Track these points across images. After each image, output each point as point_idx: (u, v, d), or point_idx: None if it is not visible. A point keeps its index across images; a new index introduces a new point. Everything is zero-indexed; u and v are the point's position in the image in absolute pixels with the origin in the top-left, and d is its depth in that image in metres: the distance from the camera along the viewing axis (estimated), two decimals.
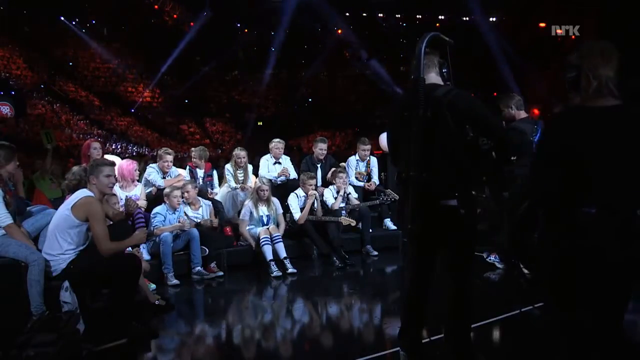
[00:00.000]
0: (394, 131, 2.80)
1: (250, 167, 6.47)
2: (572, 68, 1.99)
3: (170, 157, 5.86)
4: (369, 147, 6.82)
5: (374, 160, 6.91)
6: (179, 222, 5.19)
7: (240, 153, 6.35)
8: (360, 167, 6.82)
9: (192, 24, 22.54)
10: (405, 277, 2.88)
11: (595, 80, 1.89)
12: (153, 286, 4.53)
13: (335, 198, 6.15)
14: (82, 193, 3.59)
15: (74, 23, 21.38)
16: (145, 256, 5.02)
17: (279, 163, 6.59)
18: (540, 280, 2.13)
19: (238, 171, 6.31)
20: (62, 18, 20.91)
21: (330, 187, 6.30)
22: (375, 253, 6.09)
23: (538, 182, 2.02)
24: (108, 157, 5.84)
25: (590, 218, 1.86)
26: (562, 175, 1.92)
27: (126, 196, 4.85)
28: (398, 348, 2.88)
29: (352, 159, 6.88)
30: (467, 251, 2.68)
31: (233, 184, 6.24)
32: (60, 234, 3.54)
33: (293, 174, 6.63)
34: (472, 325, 3.05)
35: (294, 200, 5.97)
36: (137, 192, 5.44)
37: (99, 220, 3.51)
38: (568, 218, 1.92)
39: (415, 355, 2.78)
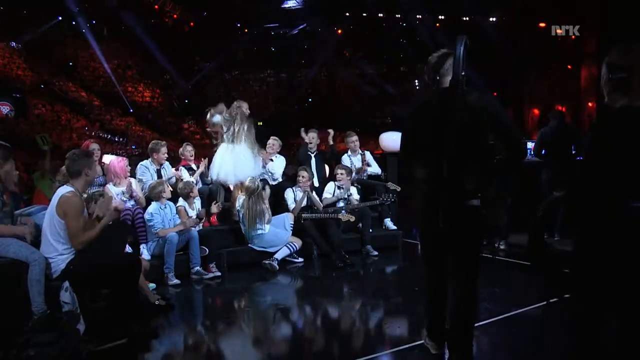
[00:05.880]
0: (418, 132, 2.79)
1: None
2: (619, 69, 1.99)
3: (165, 149, 5.94)
4: (355, 137, 6.98)
5: (367, 154, 7.05)
6: (183, 222, 5.19)
7: None
8: (355, 163, 6.86)
9: (192, 24, 22.51)
10: (427, 275, 3.00)
11: None
12: (153, 286, 4.53)
13: (333, 193, 6.20)
14: (62, 190, 3.57)
15: (73, 23, 21.36)
16: (146, 256, 5.02)
17: (271, 160, 6.63)
18: (576, 275, 2.18)
19: None
20: (60, 18, 20.89)
21: (334, 182, 6.36)
22: (375, 253, 6.08)
23: (586, 179, 2.07)
24: (108, 157, 5.87)
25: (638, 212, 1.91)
26: (610, 172, 1.98)
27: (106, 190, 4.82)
28: (422, 341, 3.10)
29: (345, 157, 6.95)
30: (478, 250, 2.86)
31: None
32: (52, 235, 3.54)
33: (277, 173, 6.65)
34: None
35: (290, 194, 6.09)
36: (133, 185, 5.43)
37: (72, 216, 3.48)
38: (617, 213, 1.98)
39: (443, 344, 2.96)
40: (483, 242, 2.91)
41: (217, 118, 5.92)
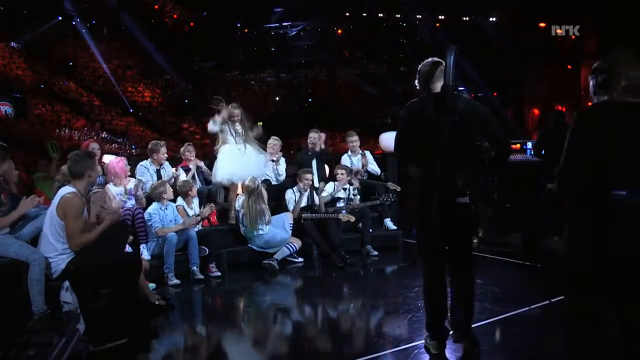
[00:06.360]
0: (413, 134, 2.98)
1: None
2: (602, 72, 2.24)
3: (165, 149, 5.94)
4: (355, 137, 6.96)
5: (368, 154, 7.04)
6: (184, 222, 5.19)
7: None
8: (355, 163, 6.86)
9: (192, 24, 22.53)
10: (425, 273, 3.13)
11: (625, 80, 2.15)
12: (153, 285, 4.53)
13: (332, 193, 6.21)
14: (63, 191, 3.58)
15: (74, 23, 21.36)
16: (146, 256, 5.02)
17: (273, 161, 6.64)
18: (568, 273, 2.29)
19: None
20: (60, 17, 20.89)
21: (334, 182, 6.35)
22: (375, 253, 6.08)
23: (571, 171, 2.22)
24: (107, 157, 5.87)
25: (622, 200, 2.06)
26: (592, 162, 2.14)
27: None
28: (423, 341, 3.16)
29: (345, 157, 6.94)
30: (470, 245, 3.14)
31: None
32: (52, 235, 3.54)
33: (284, 174, 6.66)
34: (473, 325, 3.16)
35: (291, 195, 6.08)
36: (132, 185, 5.43)
37: (72, 217, 3.49)
38: (600, 202, 2.10)
39: (444, 342, 3.08)
40: (473, 236, 3.21)
41: (215, 126, 5.88)
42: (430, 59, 3.03)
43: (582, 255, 2.19)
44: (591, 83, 2.29)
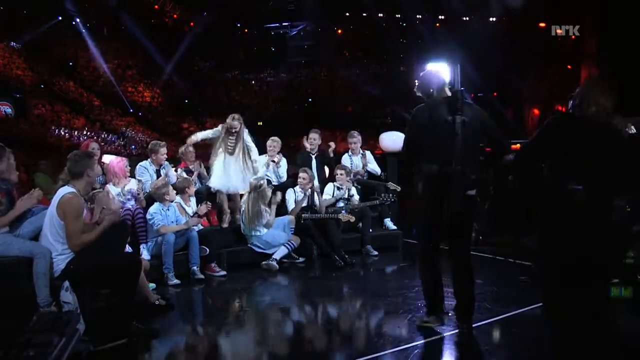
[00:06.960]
0: (426, 134, 3.25)
1: None
2: (577, 97, 2.57)
3: (165, 150, 5.91)
4: (356, 139, 6.92)
5: (368, 154, 7.02)
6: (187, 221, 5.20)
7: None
8: (355, 162, 6.84)
9: (192, 24, 22.53)
10: (424, 273, 3.43)
11: (594, 106, 2.48)
12: (153, 285, 4.52)
13: (333, 193, 6.19)
14: (63, 191, 3.56)
15: (74, 23, 21.36)
16: (146, 256, 5.02)
17: (274, 162, 6.62)
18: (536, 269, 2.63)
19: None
20: (60, 17, 20.89)
21: (333, 183, 6.35)
22: (375, 253, 6.09)
23: (531, 165, 2.57)
24: (107, 157, 5.87)
25: (579, 193, 2.36)
26: (550, 160, 2.47)
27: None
28: (423, 341, 3.32)
29: (345, 157, 6.92)
30: (470, 237, 3.46)
31: None
32: (52, 235, 3.54)
33: (284, 175, 6.64)
34: (473, 325, 3.18)
35: (292, 195, 6.08)
36: (133, 186, 5.42)
37: (72, 217, 3.48)
38: (559, 194, 2.40)
39: (443, 318, 3.44)
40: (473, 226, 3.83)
41: (212, 134, 5.98)
42: (435, 69, 3.49)
43: (548, 251, 2.46)
44: (569, 104, 2.63)
